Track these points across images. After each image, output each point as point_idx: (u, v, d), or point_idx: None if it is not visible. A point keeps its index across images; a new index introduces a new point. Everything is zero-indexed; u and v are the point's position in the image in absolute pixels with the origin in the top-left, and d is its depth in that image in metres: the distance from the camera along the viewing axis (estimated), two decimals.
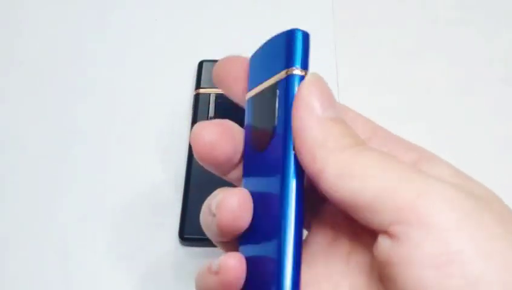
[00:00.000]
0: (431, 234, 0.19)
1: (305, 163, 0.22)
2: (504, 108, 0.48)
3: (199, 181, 0.43)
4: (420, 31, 0.52)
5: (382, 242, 0.20)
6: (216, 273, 0.24)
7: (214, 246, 0.41)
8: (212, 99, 0.46)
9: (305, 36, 0.24)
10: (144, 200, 0.44)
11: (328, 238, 0.24)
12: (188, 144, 0.44)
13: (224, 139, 0.25)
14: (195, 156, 0.26)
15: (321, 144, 0.21)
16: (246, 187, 0.25)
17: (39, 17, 0.53)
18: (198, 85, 0.47)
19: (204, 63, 0.48)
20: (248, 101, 0.27)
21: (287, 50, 0.24)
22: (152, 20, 0.53)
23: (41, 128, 0.47)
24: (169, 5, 0.53)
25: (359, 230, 0.23)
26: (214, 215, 0.24)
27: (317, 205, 0.26)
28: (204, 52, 0.48)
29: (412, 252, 0.19)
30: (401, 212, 0.19)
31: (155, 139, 0.46)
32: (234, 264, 0.24)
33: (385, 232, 0.20)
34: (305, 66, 0.24)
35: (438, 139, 0.46)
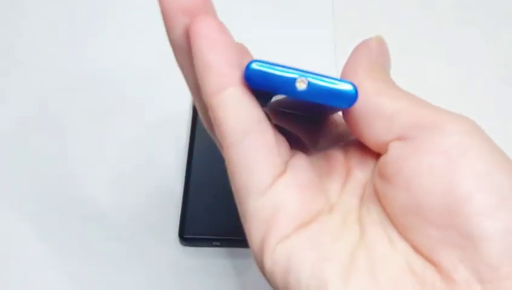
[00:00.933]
0: (446, 135, 0.20)
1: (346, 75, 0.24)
2: (504, 108, 0.48)
3: (199, 181, 0.43)
4: (420, 31, 0.52)
5: (393, 147, 0.21)
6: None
7: (214, 246, 0.41)
8: None
9: None
10: (144, 200, 0.44)
11: (325, 161, 0.25)
12: (188, 144, 0.44)
13: None
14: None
15: (367, 71, 0.24)
16: None
17: (39, 17, 0.53)
18: None
19: None
20: None
21: None
22: (152, 20, 0.53)
23: (41, 128, 0.47)
24: None
25: (359, 152, 0.24)
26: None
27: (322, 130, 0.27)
28: None
29: (427, 144, 0.20)
30: (419, 121, 0.21)
31: (155, 139, 0.46)
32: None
33: (398, 138, 0.21)
34: None
35: None
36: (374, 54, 0.25)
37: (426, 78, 0.49)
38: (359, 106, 0.22)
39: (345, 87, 0.21)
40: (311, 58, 0.50)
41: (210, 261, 0.41)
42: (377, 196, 0.22)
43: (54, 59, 0.50)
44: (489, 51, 0.51)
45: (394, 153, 0.21)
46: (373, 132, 0.22)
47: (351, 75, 0.23)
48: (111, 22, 0.53)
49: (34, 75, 0.50)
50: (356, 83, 0.22)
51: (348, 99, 0.21)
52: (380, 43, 0.27)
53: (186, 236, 0.41)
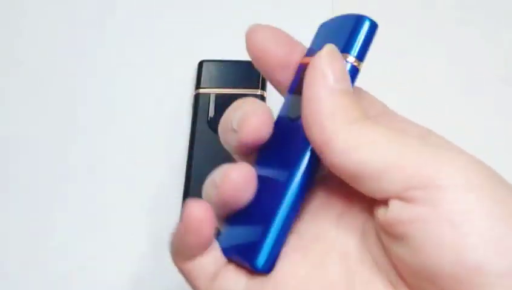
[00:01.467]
0: (446, 195, 0.19)
1: (312, 133, 0.22)
2: (504, 108, 0.48)
3: (199, 181, 0.43)
4: (420, 31, 0.52)
5: (393, 205, 0.20)
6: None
7: None
8: (212, 99, 0.46)
9: (372, 28, 0.24)
10: (144, 200, 0.43)
11: (317, 202, 0.24)
12: (188, 143, 0.44)
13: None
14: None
15: (331, 115, 0.21)
16: (257, 163, 0.25)
17: (39, 17, 0.53)
18: (198, 85, 0.47)
19: (204, 63, 0.48)
20: (299, 67, 0.26)
21: (349, 35, 0.24)
22: (152, 20, 0.53)
23: (41, 128, 0.47)
24: (169, 5, 0.53)
25: (352, 194, 0.23)
26: (217, 187, 0.24)
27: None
28: (204, 52, 0.48)
29: (428, 210, 0.19)
30: (414, 179, 0.20)
31: (155, 139, 0.46)
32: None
33: (397, 197, 0.20)
34: (361, 57, 0.24)
35: None
36: (331, 79, 0.22)
37: (426, 78, 0.49)
38: (342, 165, 0.21)
39: None
40: None
41: None
42: (384, 248, 0.21)
43: (54, 59, 0.50)
44: (489, 51, 0.51)
45: (396, 215, 0.20)
46: (366, 190, 0.21)
47: (314, 129, 0.22)
48: (111, 21, 0.53)
49: (34, 75, 0.50)
50: (324, 139, 0.21)
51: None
52: (332, 56, 0.23)
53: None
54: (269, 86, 0.48)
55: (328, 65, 0.22)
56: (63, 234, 0.42)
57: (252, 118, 0.24)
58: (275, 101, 0.47)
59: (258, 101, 0.25)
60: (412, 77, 0.49)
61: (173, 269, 0.26)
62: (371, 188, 0.21)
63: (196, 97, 0.46)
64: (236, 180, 0.24)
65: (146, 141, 0.46)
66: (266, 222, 0.23)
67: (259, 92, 0.46)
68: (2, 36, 0.52)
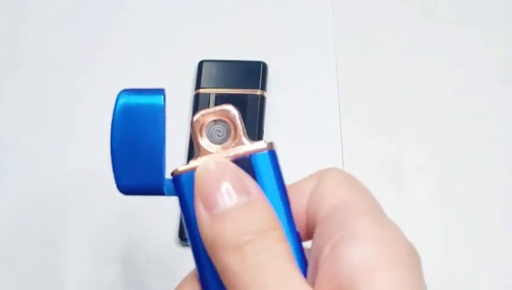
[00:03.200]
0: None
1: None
2: (504, 108, 0.48)
3: None
4: (420, 31, 0.52)
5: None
6: None
7: None
8: (212, 99, 0.46)
9: None
10: (144, 200, 0.43)
11: None
12: (188, 143, 0.45)
13: None
14: None
15: (210, 245, 0.22)
16: None
17: (40, 17, 0.53)
18: (198, 85, 0.47)
19: (204, 63, 0.48)
20: None
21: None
22: (152, 20, 0.53)
23: (41, 128, 0.47)
24: (169, 5, 0.53)
25: None
26: None
27: None
28: (204, 52, 0.48)
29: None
30: None
31: None
32: None
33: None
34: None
35: (438, 139, 0.46)
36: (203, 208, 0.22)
37: (426, 79, 0.49)
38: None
39: None
40: (311, 58, 0.50)
41: None
42: None
43: (54, 59, 0.50)
44: (489, 51, 0.51)
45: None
46: None
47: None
48: (112, 22, 0.53)
49: (34, 75, 0.50)
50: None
51: None
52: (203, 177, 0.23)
53: (186, 236, 0.41)
54: (268, 86, 0.48)
55: (197, 193, 0.23)
56: (62, 234, 0.42)
57: None
58: (275, 101, 0.48)
59: None
60: (412, 77, 0.50)
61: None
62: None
63: (196, 97, 0.46)
64: None
65: None
66: None
67: (259, 92, 0.46)
68: (2, 36, 0.52)
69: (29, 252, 0.41)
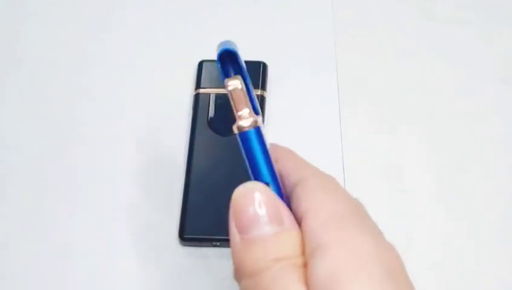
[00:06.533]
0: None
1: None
2: (504, 108, 0.48)
3: (199, 181, 0.43)
4: (420, 31, 0.52)
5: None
6: None
7: (214, 246, 0.41)
8: (212, 99, 0.46)
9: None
10: (144, 199, 0.43)
11: None
12: (188, 143, 0.45)
13: None
14: None
15: (236, 268, 0.23)
16: None
17: (40, 17, 0.53)
18: (198, 85, 0.47)
19: (204, 63, 0.48)
20: None
21: None
22: (152, 21, 0.53)
23: (41, 128, 0.47)
24: (169, 5, 0.53)
25: None
26: None
27: None
28: (204, 52, 0.48)
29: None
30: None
31: (155, 139, 0.46)
32: None
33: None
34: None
35: (438, 138, 0.46)
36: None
37: (426, 79, 0.49)
38: None
39: None
40: (311, 58, 0.50)
41: (210, 261, 0.41)
42: None
43: (54, 59, 0.50)
44: (489, 51, 0.51)
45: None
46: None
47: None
48: (112, 22, 0.53)
49: (34, 75, 0.50)
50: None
51: None
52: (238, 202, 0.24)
53: (186, 236, 0.41)
54: (268, 86, 0.48)
55: (233, 217, 0.23)
56: (63, 235, 0.42)
57: None
58: (275, 101, 0.48)
59: None
60: (412, 78, 0.50)
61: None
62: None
63: (196, 97, 0.46)
64: None
65: (146, 141, 0.46)
66: None
67: (259, 92, 0.46)
68: (2, 36, 0.52)
69: (29, 252, 0.41)
